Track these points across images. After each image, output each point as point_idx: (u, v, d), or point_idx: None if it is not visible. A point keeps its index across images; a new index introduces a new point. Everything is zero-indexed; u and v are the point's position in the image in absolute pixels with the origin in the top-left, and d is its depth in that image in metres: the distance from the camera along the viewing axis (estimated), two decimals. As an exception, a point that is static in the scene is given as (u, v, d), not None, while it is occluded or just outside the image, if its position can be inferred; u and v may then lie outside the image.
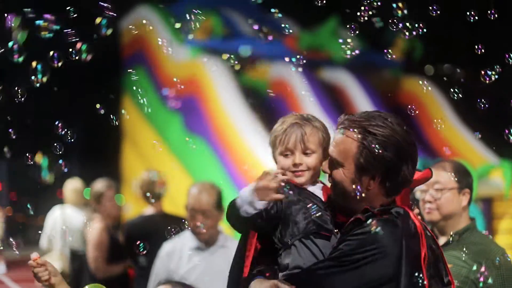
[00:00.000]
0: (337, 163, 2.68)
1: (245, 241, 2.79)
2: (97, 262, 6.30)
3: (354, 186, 2.64)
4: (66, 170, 3.50)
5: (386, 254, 2.54)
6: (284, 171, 2.79)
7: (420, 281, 2.56)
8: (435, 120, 11.48)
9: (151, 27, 12.79)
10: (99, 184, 6.69)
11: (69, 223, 7.93)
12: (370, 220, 2.59)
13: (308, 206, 2.70)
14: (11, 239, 3.43)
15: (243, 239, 2.82)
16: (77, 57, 3.34)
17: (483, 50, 3.58)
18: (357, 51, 3.56)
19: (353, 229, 2.62)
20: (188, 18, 3.60)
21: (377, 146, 2.60)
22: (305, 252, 2.66)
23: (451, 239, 3.74)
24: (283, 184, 2.63)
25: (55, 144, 3.58)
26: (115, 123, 3.60)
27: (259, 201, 2.62)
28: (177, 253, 4.85)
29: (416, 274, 2.56)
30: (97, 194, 6.58)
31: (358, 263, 2.54)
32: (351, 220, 2.65)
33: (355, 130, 2.64)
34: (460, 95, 3.59)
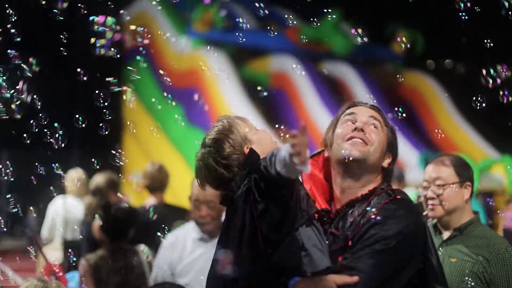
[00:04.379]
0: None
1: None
2: None
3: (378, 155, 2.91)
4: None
5: (415, 232, 2.78)
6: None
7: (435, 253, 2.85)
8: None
9: (153, 19, 12.74)
10: (105, 178, 6.69)
11: (71, 212, 7.92)
12: (393, 203, 2.80)
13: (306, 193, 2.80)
14: None
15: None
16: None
17: (491, 44, 3.59)
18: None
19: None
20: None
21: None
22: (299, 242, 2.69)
23: (454, 233, 3.75)
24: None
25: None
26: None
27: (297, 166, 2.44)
28: (180, 244, 4.79)
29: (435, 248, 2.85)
30: (106, 186, 6.58)
31: (395, 245, 2.69)
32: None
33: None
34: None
